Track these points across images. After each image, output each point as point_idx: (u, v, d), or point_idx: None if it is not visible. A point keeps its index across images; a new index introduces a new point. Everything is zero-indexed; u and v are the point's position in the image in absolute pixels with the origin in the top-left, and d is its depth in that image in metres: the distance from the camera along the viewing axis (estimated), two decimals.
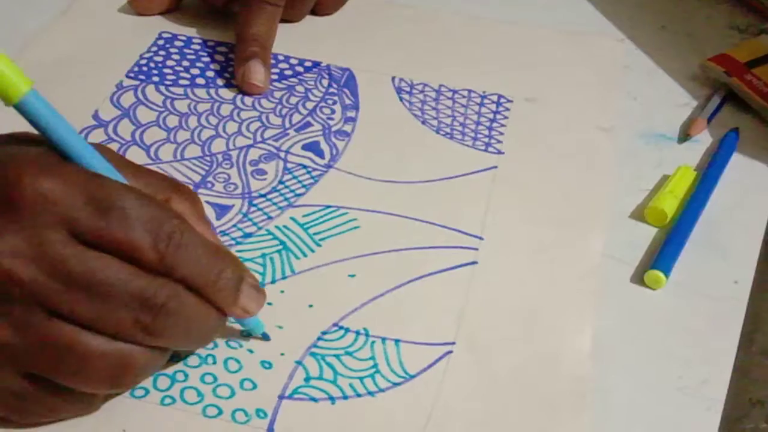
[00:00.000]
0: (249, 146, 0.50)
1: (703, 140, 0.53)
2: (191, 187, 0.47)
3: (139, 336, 0.34)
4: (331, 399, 0.38)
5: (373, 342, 0.40)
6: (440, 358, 0.40)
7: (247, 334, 0.40)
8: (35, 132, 0.34)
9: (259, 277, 0.42)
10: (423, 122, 0.52)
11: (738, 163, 0.51)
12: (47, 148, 0.34)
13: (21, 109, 0.33)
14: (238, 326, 0.40)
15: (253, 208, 0.46)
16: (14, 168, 0.32)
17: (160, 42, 0.56)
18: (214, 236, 0.38)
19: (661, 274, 0.44)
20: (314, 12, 0.59)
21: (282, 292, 0.42)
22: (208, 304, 0.35)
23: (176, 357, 0.38)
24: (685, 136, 0.53)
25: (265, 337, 0.40)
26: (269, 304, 0.41)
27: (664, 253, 0.45)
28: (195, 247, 0.34)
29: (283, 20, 0.56)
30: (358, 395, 0.38)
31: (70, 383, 0.34)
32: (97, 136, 0.49)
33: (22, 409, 0.35)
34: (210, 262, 0.35)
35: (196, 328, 0.35)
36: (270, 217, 0.46)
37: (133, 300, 0.33)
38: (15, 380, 0.33)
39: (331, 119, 0.52)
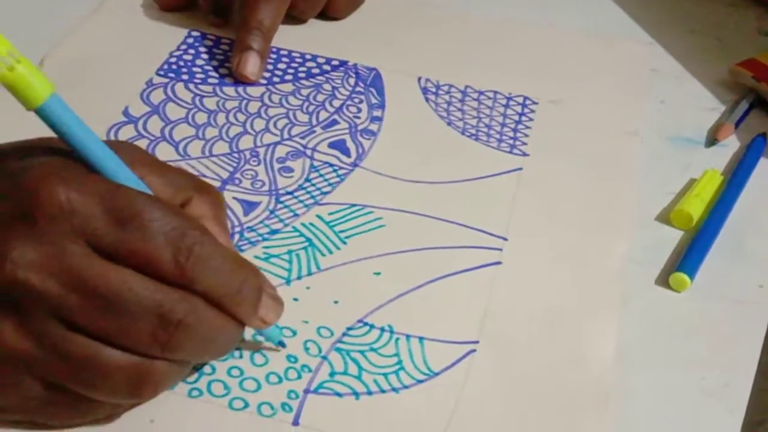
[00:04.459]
0: (276, 143, 0.50)
1: (731, 145, 0.53)
2: (219, 183, 0.47)
3: (157, 350, 0.33)
4: (356, 394, 0.38)
5: (397, 339, 0.41)
6: (464, 356, 0.40)
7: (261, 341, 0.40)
8: (55, 137, 0.33)
9: (285, 273, 0.43)
10: (448, 123, 0.53)
11: (765, 168, 0.51)
12: (67, 157, 0.33)
13: (41, 114, 0.32)
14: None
15: (279, 205, 0.47)
16: (33, 178, 0.32)
17: (190, 40, 0.57)
18: (228, 241, 0.37)
19: (686, 277, 0.44)
20: (324, 14, 0.59)
21: (308, 288, 0.43)
22: (227, 316, 0.35)
23: (198, 368, 0.38)
24: (712, 140, 0.53)
25: (281, 345, 0.40)
26: (295, 299, 0.42)
27: (689, 256, 0.45)
28: (216, 258, 0.34)
29: (290, 16, 0.57)
30: (383, 391, 0.39)
31: (90, 394, 0.34)
32: (127, 132, 0.50)
33: (48, 414, 0.35)
34: (231, 274, 0.34)
35: (215, 341, 0.35)
36: (296, 215, 0.46)
37: (151, 315, 0.32)
38: (38, 388, 0.33)
39: (358, 118, 0.52)
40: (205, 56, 0.56)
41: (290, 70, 0.55)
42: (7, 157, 0.34)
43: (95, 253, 0.32)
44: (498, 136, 0.52)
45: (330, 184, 0.48)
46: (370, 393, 0.39)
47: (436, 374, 0.40)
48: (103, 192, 0.33)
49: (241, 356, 0.39)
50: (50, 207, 0.32)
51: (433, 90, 0.55)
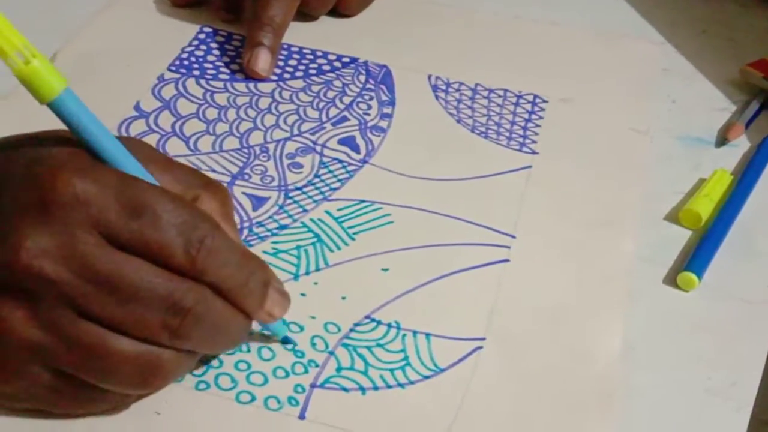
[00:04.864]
0: (286, 139, 0.50)
1: (741, 145, 0.53)
2: (229, 178, 0.48)
3: (167, 339, 0.34)
4: (362, 389, 0.39)
5: (404, 335, 0.41)
6: (470, 353, 0.40)
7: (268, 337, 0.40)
8: (67, 130, 0.34)
9: (293, 269, 0.43)
10: (458, 121, 0.53)
11: None
12: (80, 149, 0.34)
13: (54, 108, 0.32)
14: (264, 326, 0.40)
15: (289, 201, 0.47)
16: (48, 168, 0.32)
17: (202, 36, 0.57)
18: (237, 237, 0.38)
19: (693, 276, 0.44)
20: (335, 11, 0.59)
21: (316, 283, 0.43)
22: (235, 308, 0.35)
23: (206, 361, 0.39)
24: (722, 140, 0.53)
25: (286, 341, 0.40)
26: (303, 295, 0.42)
27: (697, 256, 0.45)
28: (225, 251, 0.34)
29: (301, 13, 0.57)
30: (389, 387, 0.39)
31: (98, 383, 0.34)
32: (138, 126, 0.50)
33: (55, 402, 0.35)
34: (239, 266, 0.35)
35: (223, 332, 0.35)
36: (305, 210, 0.46)
37: (162, 303, 0.33)
38: (46, 376, 0.34)
39: (368, 114, 0.52)
40: (216, 52, 0.56)
41: (301, 67, 0.55)
42: (21, 147, 0.35)
43: (108, 243, 0.33)
44: (507, 134, 0.52)
45: (339, 180, 0.48)
46: (376, 388, 0.39)
47: (443, 370, 0.40)
48: (117, 183, 0.33)
49: (248, 350, 0.39)
50: (65, 196, 0.32)
51: (444, 87, 0.55)
